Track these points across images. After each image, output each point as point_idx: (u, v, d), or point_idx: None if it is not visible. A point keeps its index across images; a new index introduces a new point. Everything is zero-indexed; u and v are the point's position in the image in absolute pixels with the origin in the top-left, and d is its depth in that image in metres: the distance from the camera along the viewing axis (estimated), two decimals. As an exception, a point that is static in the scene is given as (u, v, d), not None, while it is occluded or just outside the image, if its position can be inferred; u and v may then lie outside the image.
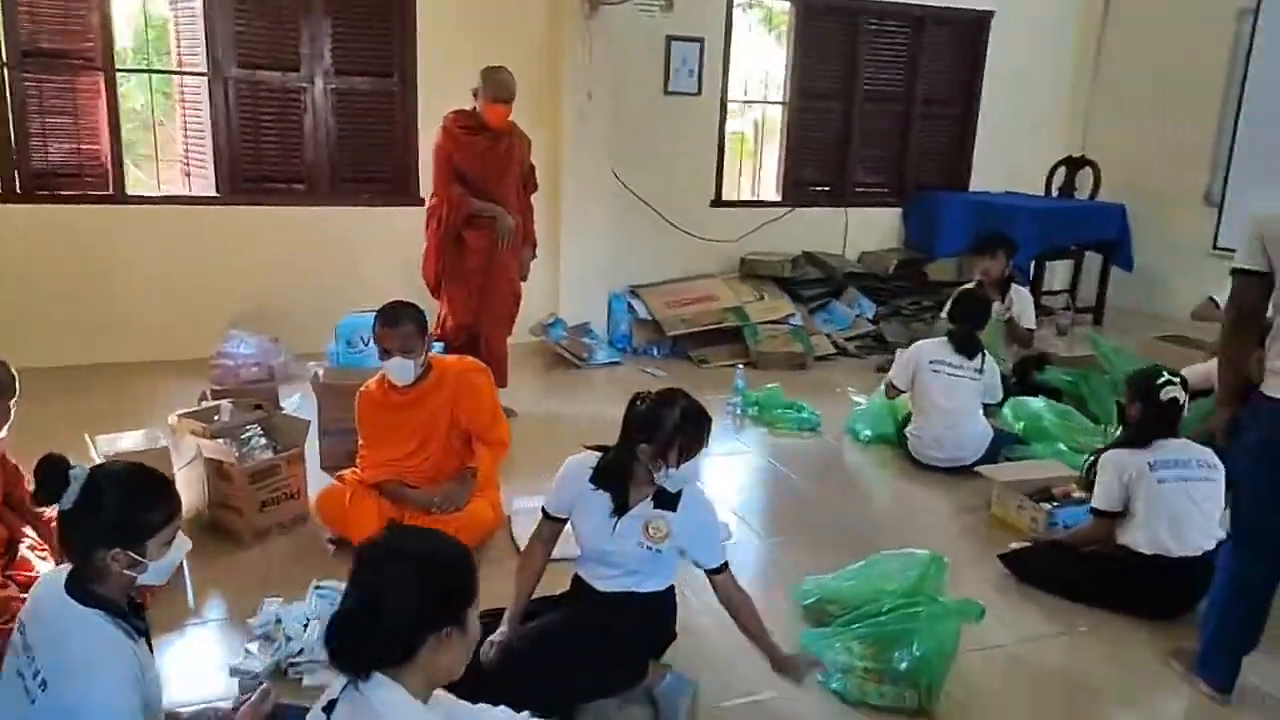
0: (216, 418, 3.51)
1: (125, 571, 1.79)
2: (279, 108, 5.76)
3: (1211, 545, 3.11)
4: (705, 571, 2.48)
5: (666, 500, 2.41)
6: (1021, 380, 5.20)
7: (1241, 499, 2.67)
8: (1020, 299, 5.34)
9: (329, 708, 1.49)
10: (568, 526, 2.55)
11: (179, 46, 5.85)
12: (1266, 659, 2.81)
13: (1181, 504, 3.12)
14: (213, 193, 5.70)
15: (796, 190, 7.18)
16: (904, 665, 2.55)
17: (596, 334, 6.32)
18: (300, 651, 2.56)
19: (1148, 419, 3.25)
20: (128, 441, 3.30)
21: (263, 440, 3.41)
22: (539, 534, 2.56)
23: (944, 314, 4.80)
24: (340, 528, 3.25)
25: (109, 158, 5.41)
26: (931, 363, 4.38)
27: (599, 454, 2.48)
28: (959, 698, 2.63)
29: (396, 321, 3.15)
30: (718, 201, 6.88)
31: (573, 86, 5.95)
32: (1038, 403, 4.69)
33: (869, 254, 7.32)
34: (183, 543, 1.90)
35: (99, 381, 5.16)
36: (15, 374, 2.73)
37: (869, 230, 7.40)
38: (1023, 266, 6.55)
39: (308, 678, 2.52)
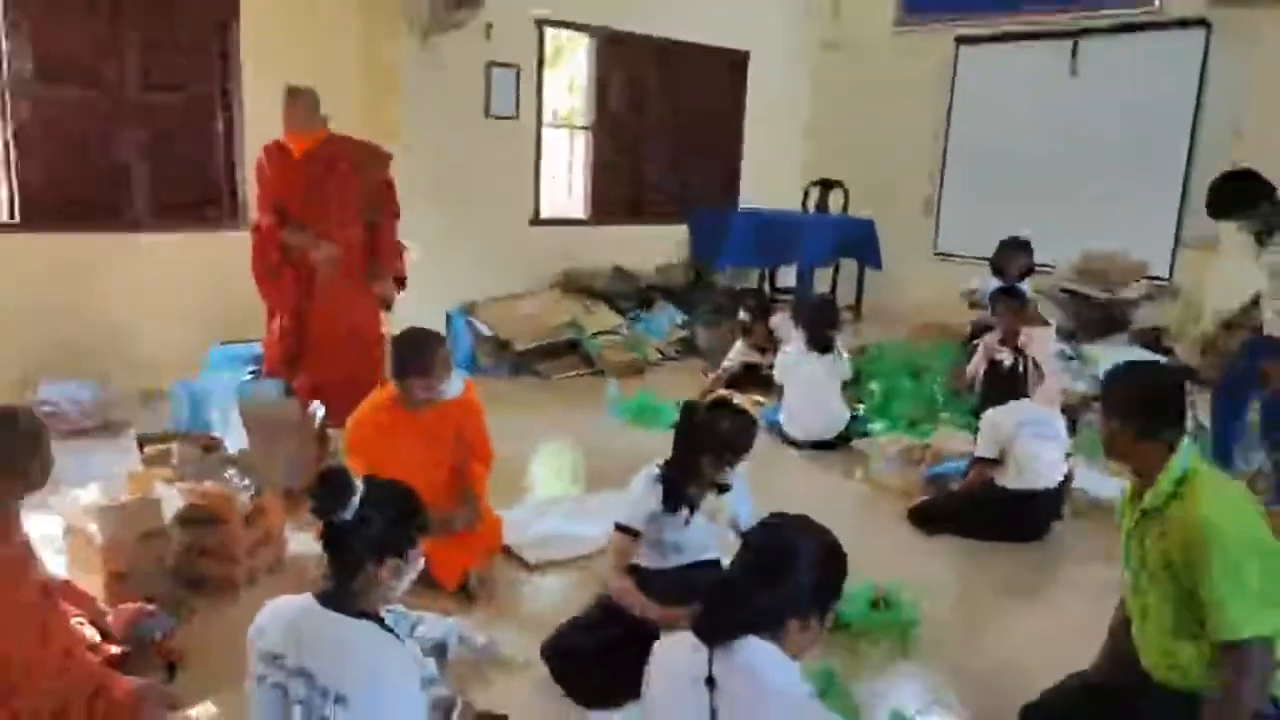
0: (174, 463, 3.28)
1: (391, 581, 1.87)
2: (84, 125, 5.21)
3: (1060, 479, 4.04)
4: (740, 535, 2.81)
5: (722, 488, 2.82)
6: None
7: None
8: None
9: (710, 681, 1.67)
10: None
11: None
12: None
13: (1036, 449, 4.00)
14: (7, 219, 5.05)
15: (600, 208, 7.65)
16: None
17: (437, 355, 6.32)
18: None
19: (990, 386, 4.22)
20: (89, 495, 3.00)
21: (244, 481, 3.25)
22: (620, 546, 2.78)
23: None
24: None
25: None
26: (800, 363, 5.08)
27: (659, 468, 2.79)
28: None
29: (430, 351, 3.20)
30: (536, 220, 7.17)
31: (400, 114, 5.99)
32: (873, 386, 5.57)
33: (663, 266, 7.98)
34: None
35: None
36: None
37: (661, 244, 8.06)
38: (806, 274, 7.59)
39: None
